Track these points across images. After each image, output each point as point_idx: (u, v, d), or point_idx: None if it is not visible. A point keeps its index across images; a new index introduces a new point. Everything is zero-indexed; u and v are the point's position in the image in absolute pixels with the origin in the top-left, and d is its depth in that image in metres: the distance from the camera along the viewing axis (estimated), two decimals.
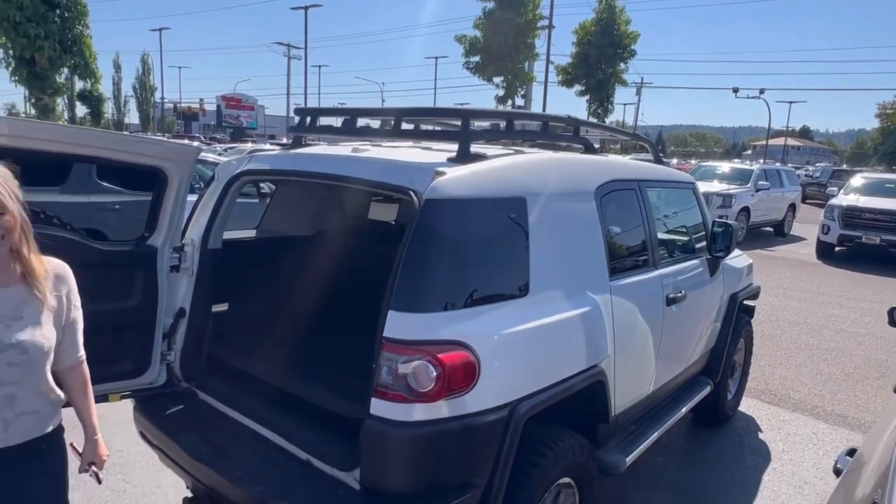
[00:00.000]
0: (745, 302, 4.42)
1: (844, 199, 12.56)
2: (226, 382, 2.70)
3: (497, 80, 27.66)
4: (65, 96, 22.29)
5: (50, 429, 1.77)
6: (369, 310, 2.72)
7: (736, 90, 37.02)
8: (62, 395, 1.80)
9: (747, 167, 15.55)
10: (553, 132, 2.79)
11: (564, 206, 2.52)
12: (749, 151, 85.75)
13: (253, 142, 27.93)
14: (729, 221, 3.81)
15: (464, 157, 2.28)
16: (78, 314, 1.82)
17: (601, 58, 27.93)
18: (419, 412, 1.89)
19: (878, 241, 11.50)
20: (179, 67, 63.88)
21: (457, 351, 1.91)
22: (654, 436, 3.17)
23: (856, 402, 5.06)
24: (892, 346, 6.62)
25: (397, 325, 1.90)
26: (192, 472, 2.33)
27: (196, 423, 2.53)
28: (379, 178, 2.22)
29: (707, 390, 3.90)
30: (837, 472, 1.87)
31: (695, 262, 3.65)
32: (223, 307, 2.94)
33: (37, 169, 1.88)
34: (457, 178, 2.12)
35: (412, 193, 2.06)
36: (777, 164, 21.21)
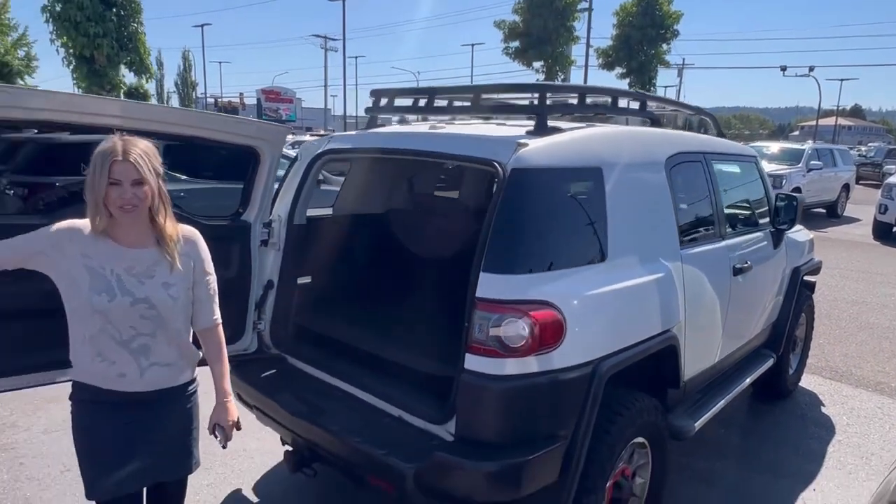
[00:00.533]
0: (806, 278, 4.41)
1: None
2: (313, 348, 2.88)
3: (536, 64, 27.43)
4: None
5: (181, 382, 1.96)
6: (445, 279, 2.88)
7: (784, 68, 35.81)
8: (198, 353, 1.98)
9: (798, 147, 15.12)
10: (621, 106, 2.86)
11: (637, 176, 2.60)
12: (796, 133, 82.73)
13: (292, 134, 28.39)
14: (794, 194, 3.81)
15: (542, 129, 2.39)
16: (209, 279, 1.98)
17: (642, 39, 27.34)
18: (511, 367, 2.02)
19: None
20: (220, 62, 65.03)
21: (546, 309, 2.03)
22: (721, 403, 3.23)
23: None
24: None
25: (490, 285, 2.03)
26: (291, 427, 2.52)
27: (289, 384, 2.72)
28: (464, 151, 2.34)
29: (770, 363, 3.92)
30: None
31: (759, 234, 3.67)
32: (307, 280, 3.12)
33: None
34: (539, 149, 2.23)
35: (497, 164, 2.17)
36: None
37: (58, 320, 2.02)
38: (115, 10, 18.68)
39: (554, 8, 21.16)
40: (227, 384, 2.02)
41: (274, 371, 2.83)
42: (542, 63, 26.57)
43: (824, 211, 15.08)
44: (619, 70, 28.82)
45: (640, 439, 2.56)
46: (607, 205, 2.37)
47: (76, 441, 1.91)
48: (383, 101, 3.00)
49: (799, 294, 4.22)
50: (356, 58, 54.73)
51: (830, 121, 67.38)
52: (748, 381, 3.60)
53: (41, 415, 3.91)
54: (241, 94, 53.25)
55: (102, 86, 19.48)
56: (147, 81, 21.85)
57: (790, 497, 3.29)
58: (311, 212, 3.13)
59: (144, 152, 1.77)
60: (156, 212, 1.83)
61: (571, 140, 2.40)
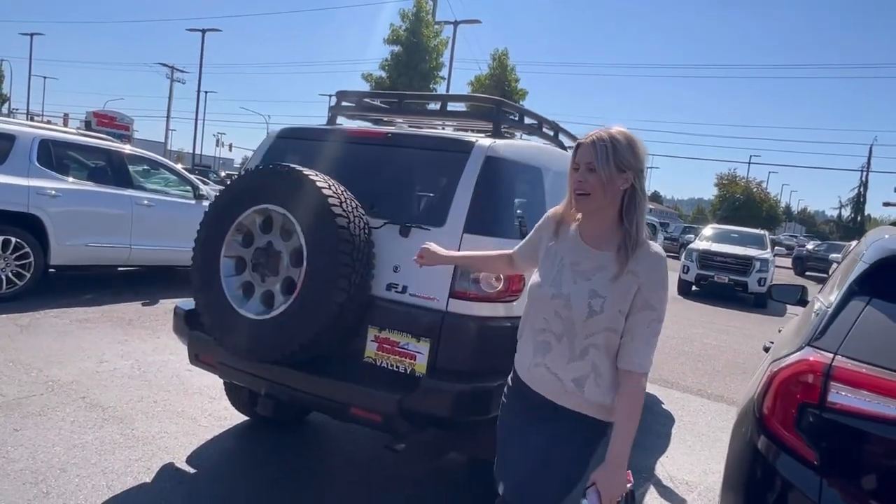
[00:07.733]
0: None
1: (700, 244, 14.78)
2: None
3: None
4: None
5: (561, 404, 1.78)
6: None
7: None
8: (601, 398, 1.75)
9: None
10: (544, 130, 3.59)
11: (559, 181, 3.28)
12: None
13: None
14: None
15: (498, 133, 2.98)
16: (648, 315, 1.64)
17: None
18: (486, 310, 2.49)
19: (726, 281, 13.64)
20: (45, 77, 57.73)
21: None
22: None
23: (727, 388, 6.27)
24: (746, 355, 8.11)
25: (471, 244, 2.51)
26: (266, 375, 2.68)
27: None
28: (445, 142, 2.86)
29: None
30: (766, 349, 2.74)
31: None
32: None
33: None
34: (503, 145, 2.81)
35: (471, 153, 2.70)
36: None
37: None
38: None
39: (419, 70, 22.81)
40: (620, 446, 1.66)
41: None
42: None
43: None
44: None
45: None
46: (546, 196, 3.00)
47: None
48: (345, 103, 3.41)
49: None
50: (206, 92, 52.57)
51: None
52: None
53: None
54: (65, 114, 48.27)
55: None
56: None
57: (651, 462, 4.06)
58: None
59: (609, 140, 1.61)
60: (624, 211, 1.66)
61: (522, 145, 3.03)
